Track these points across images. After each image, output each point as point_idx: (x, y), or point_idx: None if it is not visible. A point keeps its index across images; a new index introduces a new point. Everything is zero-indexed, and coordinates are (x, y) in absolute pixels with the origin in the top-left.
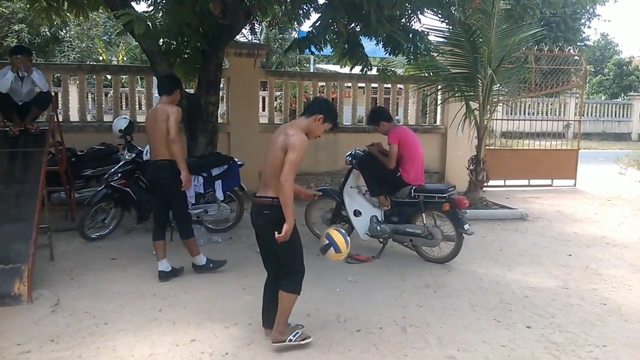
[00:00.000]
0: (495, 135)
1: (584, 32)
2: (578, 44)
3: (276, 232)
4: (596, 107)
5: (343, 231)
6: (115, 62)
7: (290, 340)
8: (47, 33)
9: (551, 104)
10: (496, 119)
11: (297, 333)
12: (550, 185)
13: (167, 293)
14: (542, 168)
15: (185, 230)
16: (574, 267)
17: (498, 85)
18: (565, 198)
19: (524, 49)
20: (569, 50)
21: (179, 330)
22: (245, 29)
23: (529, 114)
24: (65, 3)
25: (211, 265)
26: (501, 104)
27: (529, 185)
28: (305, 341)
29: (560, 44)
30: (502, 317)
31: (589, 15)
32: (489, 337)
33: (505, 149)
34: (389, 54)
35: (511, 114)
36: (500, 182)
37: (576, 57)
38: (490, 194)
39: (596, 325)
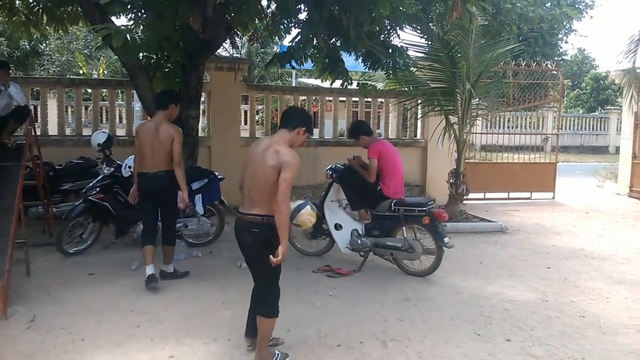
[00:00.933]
0: (475, 149)
1: (561, 47)
2: (556, 58)
3: (271, 256)
4: (574, 121)
5: None
6: (95, 76)
7: None
8: (27, 46)
9: (530, 118)
10: (475, 133)
11: (277, 355)
12: (530, 198)
13: (145, 309)
14: (521, 181)
15: (173, 238)
16: (553, 279)
17: (477, 99)
18: (544, 211)
19: (501, 63)
20: (546, 64)
21: (156, 346)
22: (226, 43)
23: (508, 127)
24: (45, 17)
25: (179, 273)
26: (480, 118)
27: (508, 198)
28: None
29: (538, 58)
30: (482, 330)
31: (566, 31)
32: (469, 350)
33: (484, 162)
34: (369, 69)
35: (491, 128)
36: (480, 195)
37: (554, 72)
38: (471, 207)
39: (575, 337)
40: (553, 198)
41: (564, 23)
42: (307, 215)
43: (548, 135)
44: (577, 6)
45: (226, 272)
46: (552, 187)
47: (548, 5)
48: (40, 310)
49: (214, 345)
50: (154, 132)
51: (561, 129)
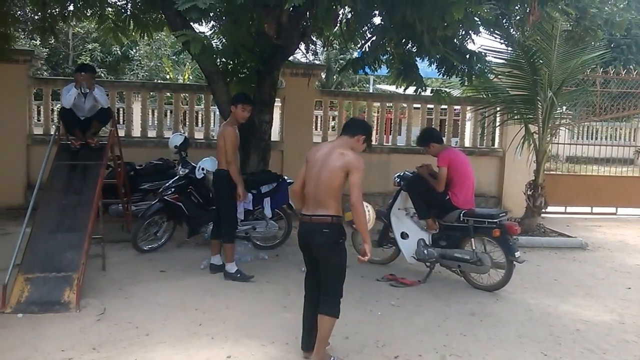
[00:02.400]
0: (561, 160)
1: None
2: None
3: (359, 257)
4: None
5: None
6: (181, 81)
7: None
8: (118, 52)
9: (621, 129)
10: (559, 143)
11: (334, 358)
12: (615, 214)
13: (209, 307)
14: (606, 195)
15: (226, 234)
16: (633, 300)
17: (560, 108)
18: (630, 227)
19: (588, 71)
20: (637, 73)
21: (216, 345)
22: (301, 50)
23: (596, 138)
24: (132, 23)
25: (239, 275)
26: (565, 128)
27: (591, 213)
28: None
29: (631, 66)
30: (549, 350)
31: None
32: None
33: (566, 174)
34: (443, 75)
35: (578, 139)
36: (561, 209)
37: None
38: (550, 221)
39: None
40: None
41: None
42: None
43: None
44: None
45: (290, 275)
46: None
47: None
48: (111, 303)
49: (272, 347)
50: (219, 133)
51: None
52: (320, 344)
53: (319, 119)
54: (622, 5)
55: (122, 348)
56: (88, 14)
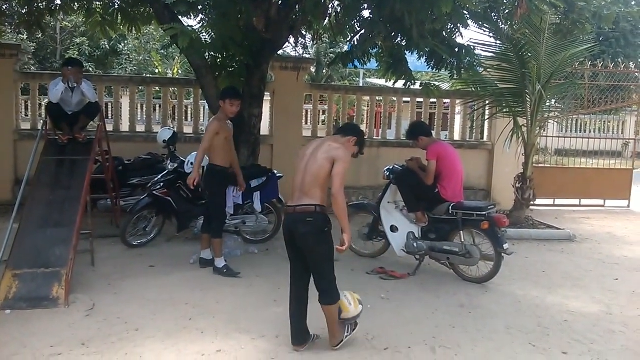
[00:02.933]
0: (549, 153)
1: None
2: (639, 60)
3: (337, 246)
4: None
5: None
6: (170, 75)
7: (347, 336)
8: (107, 46)
9: (609, 122)
10: (548, 136)
11: (347, 326)
12: (603, 206)
13: (198, 302)
14: (594, 188)
15: (215, 230)
16: (620, 292)
17: (549, 101)
18: (618, 219)
19: (576, 64)
20: (625, 66)
21: (206, 339)
22: (290, 43)
23: (585, 131)
24: (119, 17)
25: (225, 270)
26: (553, 121)
27: (579, 205)
28: (357, 328)
29: (619, 60)
30: (538, 341)
31: None
32: None
33: (554, 167)
34: (432, 69)
35: (566, 132)
36: (550, 202)
37: (636, 74)
38: (538, 214)
39: (638, 354)
40: (628, 206)
41: None
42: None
43: (628, 141)
44: None
45: (280, 269)
46: (627, 195)
47: (633, 3)
48: (100, 298)
49: (262, 341)
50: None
51: None
52: (332, 327)
53: (308, 113)
54: None
55: (111, 343)
56: (75, 8)
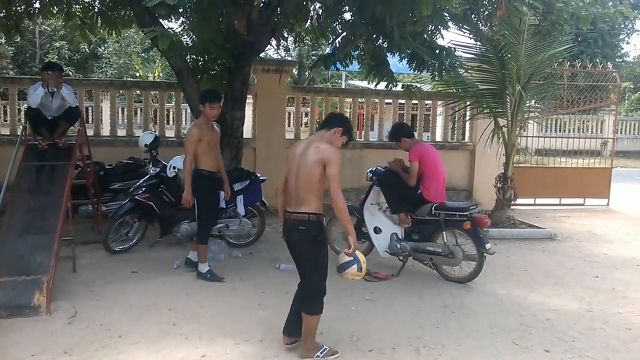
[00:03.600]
0: (530, 153)
1: (622, 48)
2: (617, 60)
3: (344, 250)
4: (635, 125)
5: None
6: (151, 78)
7: (318, 357)
8: (87, 50)
9: (588, 122)
10: (528, 136)
11: (325, 349)
12: (582, 205)
13: (182, 307)
14: (574, 187)
15: (200, 235)
16: (600, 289)
17: (529, 101)
18: (597, 218)
19: (555, 65)
20: (603, 66)
21: (190, 345)
22: (272, 46)
23: (564, 131)
24: (99, 20)
25: (209, 276)
26: (533, 121)
27: (559, 205)
28: (334, 356)
29: (597, 60)
30: (520, 340)
31: (628, 31)
32: None
33: (535, 166)
34: (414, 70)
35: (546, 131)
36: (530, 201)
37: (614, 74)
38: (519, 213)
39: (619, 350)
40: (607, 205)
41: (625, 23)
42: (352, 275)
43: (606, 140)
44: None
45: (265, 273)
46: (606, 194)
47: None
48: (82, 305)
49: (246, 345)
50: None
51: (621, 133)
52: (307, 338)
53: (291, 116)
54: (587, 0)
55: (94, 351)
56: (54, 11)
